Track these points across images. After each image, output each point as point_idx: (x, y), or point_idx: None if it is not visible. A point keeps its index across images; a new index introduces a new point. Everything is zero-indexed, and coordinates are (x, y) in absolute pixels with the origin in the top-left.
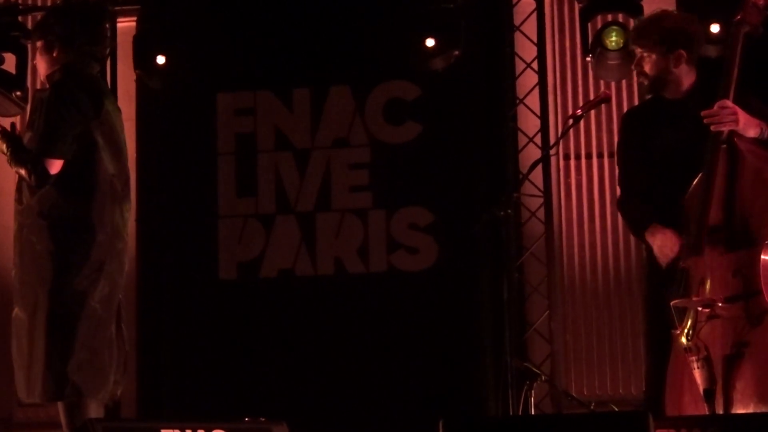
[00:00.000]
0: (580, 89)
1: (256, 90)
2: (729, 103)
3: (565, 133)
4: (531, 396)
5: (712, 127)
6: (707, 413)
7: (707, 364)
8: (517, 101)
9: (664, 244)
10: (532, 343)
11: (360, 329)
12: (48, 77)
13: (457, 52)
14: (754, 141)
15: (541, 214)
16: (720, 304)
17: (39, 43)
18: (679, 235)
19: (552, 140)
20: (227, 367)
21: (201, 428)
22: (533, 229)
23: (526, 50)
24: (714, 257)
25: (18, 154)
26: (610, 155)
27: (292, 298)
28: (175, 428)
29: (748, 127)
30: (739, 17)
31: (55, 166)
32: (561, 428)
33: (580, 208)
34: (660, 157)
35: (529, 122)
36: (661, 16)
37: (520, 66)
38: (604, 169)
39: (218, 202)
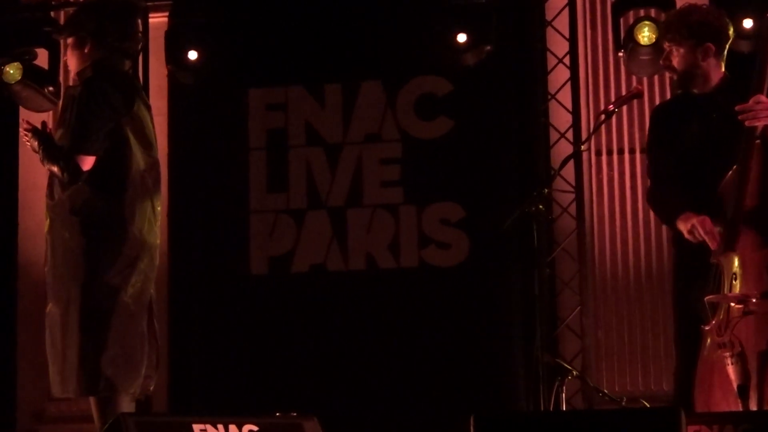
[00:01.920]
0: (612, 85)
1: (287, 85)
2: (764, 98)
3: (597, 128)
4: (562, 392)
5: (746, 122)
6: (740, 409)
7: (741, 359)
8: (549, 97)
9: (699, 224)
10: (564, 338)
11: (391, 324)
12: (79, 74)
13: (488, 48)
14: None
15: (572, 209)
16: (755, 300)
17: (70, 40)
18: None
19: (584, 136)
20: (258, 361)
21: (232, 423)
22: (565, 224)
23: (558, 45)
24: (748, 253)
25: (50, 152)
26: (642, 151)
27: (324, 293)
28: (207, 423)
29: None
30: None
31: (88, 163)
32: (592, 424)
33: (611, 204)
34: (689, 151)
35: (560, 118)
36: (690, 10)
37: (551, 61)
38: (635, 164)
39: (249, 197)
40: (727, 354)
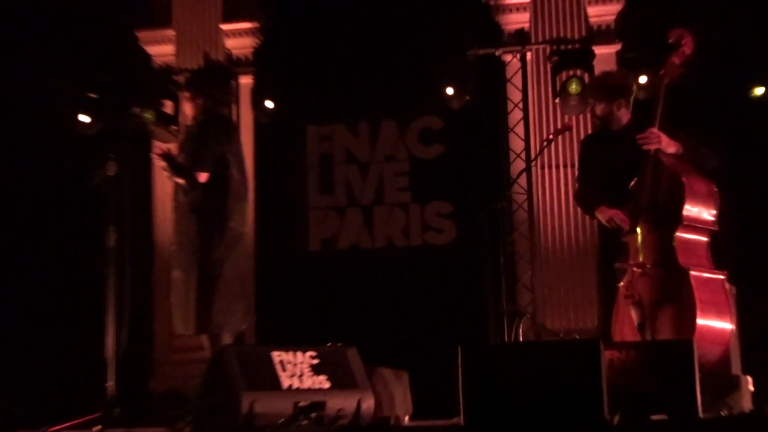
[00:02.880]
0: (551, 121)
1: (333, 124)
2: (656, 129)
3: (541, 151)
4: (519, 329)
5: (643, 146)
6: (641, 340)
7: (640, 306)
8: (509, 130)
9: (615, 216)
10: (520, 293)
11: (403, 284)
12: (194, 117)
13: (468, 97)
14: (673, 155)
15: (525, 206)
16: (649, 266)
17: (187, 94)
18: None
19: (532, 156)
20: (315, 308)
21: (298, 351)
22: (520, 216)
23: (515, 95)
24: (645, 234)
25: (177, 169)
26: (572, 166)
27: (359, 263)
28: (281, 351)
29: (669, 146)
30: (662, 72)
31: (202, 177)
32: (539, 351)
33: (551, 201)
34: (607, 169)
35: (517, 144)
36: (607, 75)
37: (510, 106)
38: (568, 175)
39: (308, 198)
40: (631, 302)
